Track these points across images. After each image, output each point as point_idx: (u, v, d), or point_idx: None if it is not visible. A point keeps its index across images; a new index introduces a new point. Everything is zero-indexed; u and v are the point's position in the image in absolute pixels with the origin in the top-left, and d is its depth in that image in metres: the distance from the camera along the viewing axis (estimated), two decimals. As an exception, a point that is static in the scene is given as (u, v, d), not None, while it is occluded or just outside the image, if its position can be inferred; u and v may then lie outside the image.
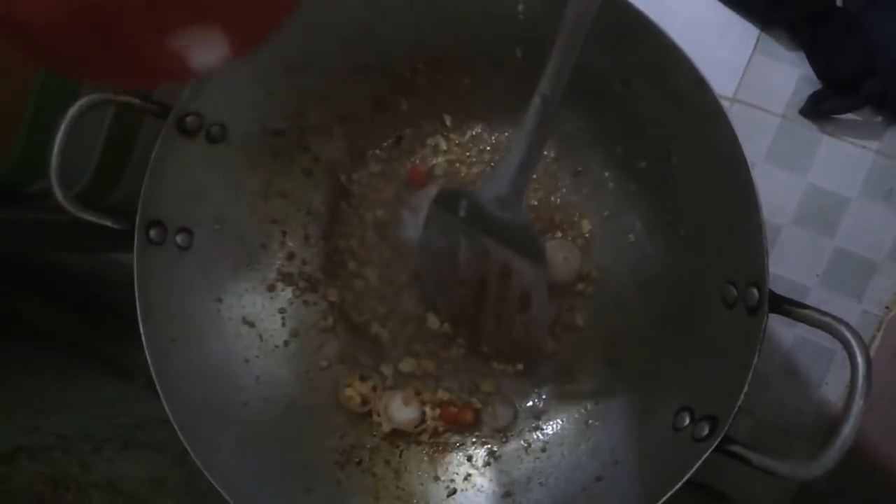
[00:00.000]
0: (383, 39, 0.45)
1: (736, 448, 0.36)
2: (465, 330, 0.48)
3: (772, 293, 0.36)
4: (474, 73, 0.46)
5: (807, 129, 0.51)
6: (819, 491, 0.52)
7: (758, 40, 0.51)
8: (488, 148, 0.50)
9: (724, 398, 0.36)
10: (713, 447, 0.36)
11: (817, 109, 0.49)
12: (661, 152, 0.43)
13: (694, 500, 0.55)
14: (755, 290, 0.37)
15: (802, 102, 0.50)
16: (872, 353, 0.51)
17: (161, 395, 0.42)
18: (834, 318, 0.35)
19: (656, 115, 0.42)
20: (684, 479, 0.36)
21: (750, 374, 0.36)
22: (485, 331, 0.47)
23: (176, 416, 0.42)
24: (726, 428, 0.36)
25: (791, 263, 0.52)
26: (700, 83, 0.37)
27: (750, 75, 0.52)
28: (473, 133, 0.50)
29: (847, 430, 0.33)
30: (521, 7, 0.42)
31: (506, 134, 0.49)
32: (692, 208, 0.42)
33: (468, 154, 0.50)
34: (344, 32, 0.45)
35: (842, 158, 0.50)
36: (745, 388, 0.36)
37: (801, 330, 0.52)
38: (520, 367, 0.49)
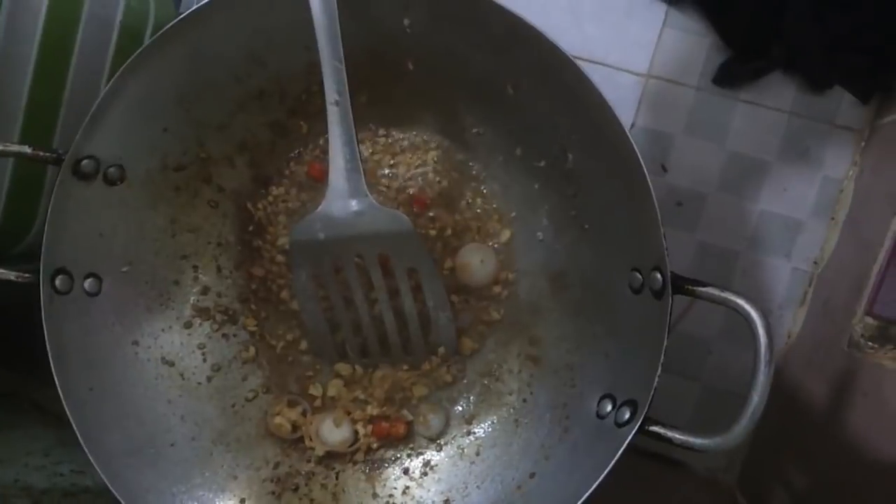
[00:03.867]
0: (274, 65, 0.45)
1: (656, 428, 0.37)
2: (377, 355, 0.49)
3: (674, 275, 0.37)
4: (371, 89, 0.46)
5: (722, 97, 0.52)
6: (766, 454, 0.54)
7: (666, 15, 0.52)
8: (394, 147, 0.50)
9: (642, 381, 0.38)
10: (635, 430, 0.37)
11: (729, 77, 0.50)
12: (558, 150, 0.44)
13: (651, 469, 0.56)
14: (658, 275, 0.38)
15: (714, 72, 0.51)
16: (805, 307, 0.53)
17: (84, 447, 0.41)
18: (733, 293, 0.36)
19: (548, 115, 0.43)
20: (611, 465, 0.37)
21: (662, 355, 0.37)
22: (393, 342, 0.48)
23: (102, 465, 0.41)
24: (646, 409, 0.37)
25: (719, 230, 0.54)
26: (582, 80, 0.39)
27: (661, 51, 0.53)
28: (376, 140, 0.50)
29: (756, 400, 0.35)
30: (406, 21, 0.43)
31: (413, 133, 0.50)
32: (593, 201, 0.44)
33: (373, 152, 0.50)
34: (233, 61, 0.45)
35: (758, 123, 0.52)
36: (659, 370, 0.37)
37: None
38: (445, 366, 0.49)
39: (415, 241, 0.44)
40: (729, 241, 0.53)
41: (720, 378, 0.55)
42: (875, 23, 0.48)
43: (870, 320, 0.46)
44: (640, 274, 0.40)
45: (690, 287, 0.37)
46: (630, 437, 0.37)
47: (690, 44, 0.52)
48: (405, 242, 0.44)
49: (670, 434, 0.37)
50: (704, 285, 0.37)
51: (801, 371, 0.52)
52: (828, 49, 0.48)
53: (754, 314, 0.35)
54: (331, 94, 0.41)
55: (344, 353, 0.49)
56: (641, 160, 0.38)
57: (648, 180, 0.37)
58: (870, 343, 0.46)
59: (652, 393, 0.37)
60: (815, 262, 0.53)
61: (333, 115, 0.41)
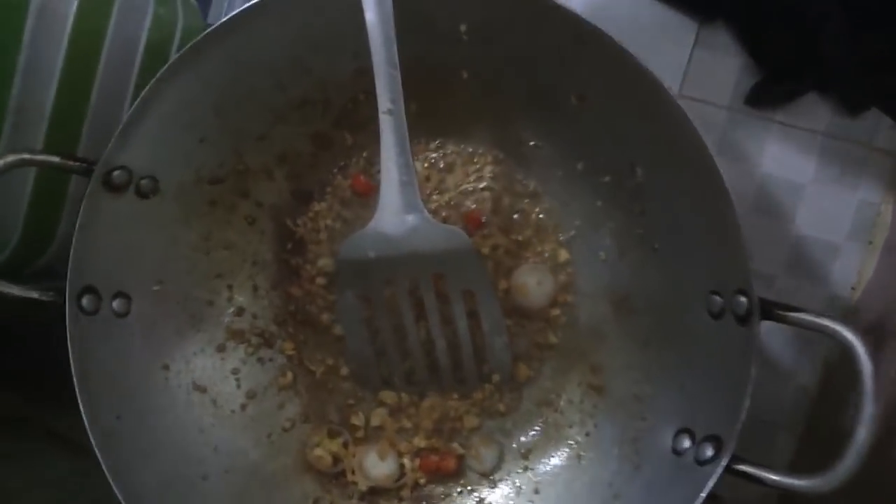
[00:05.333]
0: (319, 72, 0.43)
1: (745, 468, 0.34)
2: (425, 382, 0.46)
3: (762, 299, 0.34)
4: (422, 99, 0.43)
5: (754, 118, 0.50)
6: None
7: (697, 35, 0.51)
8: (445, 161, 0.47)
9: (725, 415, 0.35)
10: (720, 469, 0.34)
11: (762, 98, 0.49)
12: (625, 165, 0.41)
13: None
14: (743, 298, 0.35)
15: (747, 93, 0.49)
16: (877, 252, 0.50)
17: (110, 479, 0.38)
18: (831, 319, 0.33)
19: (616, 128, 0.40)
20: (696, 505, 0.34)
21: (749, 387, 0.34)
22: (444, 368, 0.45)
23: (127, 497, 0.38)
24: (732, 447, 0.34)
25: (754, 254, 0.51)
26: (658, 90, 0.36)
27: (693, 71, 0.51)
28: (427, 153, 0.47)
29: (863, 436, 0.32)
30: (463, 27, 0.40)
31: (466, 146, 0.47)
32: (663, 219, 0.41)
33: (423, 167, 0.47)
34: (276, 67, 0.42)
35: (792, 145, 0.50)
36: (747, 403, 0.34)
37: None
38: (498, 394, 0.46)
39: (473, 260, 0.42)
40: (765, 265, 0.51)
41: (751, 405, 0.52)
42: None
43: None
44: (721, 297, 0.37)
45: (781, 312, 0.34)
46: (715, 477, 0.34)
47: (722, 64, 0.50)
48: (463, 261, 0.41)
49: (762, 474, 0.34)
50: (797, 310, 0.34)
51: (838, 402, 0.49)
52: (864, 70, 0.46)
53: (856, 343, 0.32)
54: (384, 103, 0.38)
55: (389, 381, 0.46)
56: (721, 173, 0.35)
57: (730, 195, 0.35)
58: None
59: (738, 428, 0.34)
60: (853, 288, 0.51)
61: (386, 124, 0.38)
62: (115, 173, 0.40)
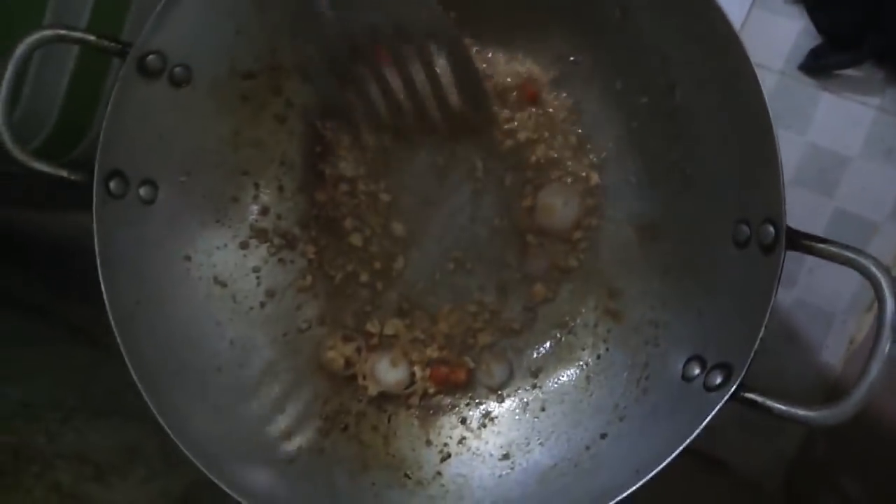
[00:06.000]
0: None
1: (753, 396, 0.33)
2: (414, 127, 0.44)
3: (789, 229, 0.33)
4: (459, 7, 0.42)
5: (806, 85, 0.49)
6: (818, 458, 0.50)
7: None
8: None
9: (739, 344, 0.34)
10: (728, 396, 0.33)
11: (818, 64, 0.48)
12: (665, 85, 0.40)
13: (690, 466, 0.53)
14: (770, 227, 0.34)
15: (802, 58, 0.48)
16: (872, 313, 0.49)
17: (127, 361, 0.38)
18: (858, 251, 0.32)
19: (659, 45, 0.39)
20: (699, 430, 0.33)
21: (766, 317, 0.33)
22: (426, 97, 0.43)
23: (144, 382, 0.38)
24: (742, 373, 0.33)
25: (790, 224, 0.51)
26: (708, 6, 0.34)
27: (748, 31, 0.50)
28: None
29: (874, 372, 0.31)
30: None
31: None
32: (699, 144, 0.40)
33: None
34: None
35: (842, 116, 0.49)
36: (762, 332, 0.33)
37: (800, 292, 0.51)
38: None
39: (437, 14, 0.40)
40: (799, 236, 0.50)
41: (774, 381, 0.51)
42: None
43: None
44: (748, 226, 0.36)
45: (808, 243, 0.33)
46: (722, 403, 0.33)
47: (779, 26, 0.49)
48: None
49: (770, 403, 0.33)
50: (824, 241, 0.33)
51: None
52: None
53: (881, 276, 0.31)
54: None
55: (376, 116, 0.44)
56: (766, 100, 0.34)
57: (772, 122, 0.33)
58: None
59: (751, 357, 0.33)
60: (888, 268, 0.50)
61: None
62: (150, 58, 0.39)
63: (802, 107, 0.49)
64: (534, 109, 0.45)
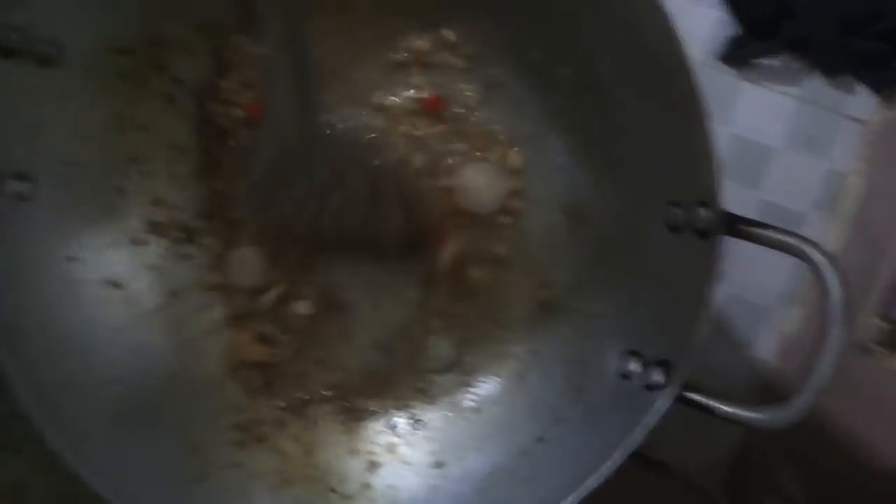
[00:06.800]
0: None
1: (696, 396, 0.31)
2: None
3: (725, 213, 0.31)
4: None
5: (726, 75, 0.48)
6: (760, 456, 0.50)
7: None
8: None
9: (678, 338, 0.32)
10: (668, 396, 0.31)
11: (736, 54, 0.47)
12: (586, 55, 0.37)
13: (630, 467, 0.52)
14: (704, 210, 0.32)
15: (721, 48, 0.47)
16: (803, 306, 0.49)
17: (11, 380, 0.34)
18: (799, 237, 0.30)
19: (578, 10, 0.36)
20: (637, 434, 0.31)
21: (706, 309, 0.31)
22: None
23: (31, 400, 0.34)
24: (682, 373, 0.31)
25: None
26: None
27: None
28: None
29: (826, 368, 0.29)
30: None
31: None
32: (626, 121, 0.37)
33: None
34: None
35: (763, 106, 0.48)
36: (703, 326, 0.31)
37: (727, 285, 0.49)
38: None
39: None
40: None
41: (702, 376, 0.50)
42: (894, 8, 0.44)
43: (881, 323, 0.43)
44: (681, 209, 0.33)
45: (745, 228, 0.31)
46: (661, 403, 0.31)
47: (696, 15, 0.47)
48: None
49: (713, 404, 0.31)
50: (763, 226, 0.31)
51: (797, 373, 0.49)
52: (842, 33, 0.45)
53: (825, 263, 0.29)
54: None
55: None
56: (693, 70, 0.31)
57: (701, 96, 0.31)
58: (880, 347, 0.43)
59: (691, 353, 0.31)
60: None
61: None
62: (11, 36, 0.35)
63: (723, 97, 0.48)
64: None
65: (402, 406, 0.43)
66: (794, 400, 0.29)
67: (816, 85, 0.47)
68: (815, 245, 0.30)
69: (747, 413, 0.30)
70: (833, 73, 0.46)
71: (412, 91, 0.43)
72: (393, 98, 0.43)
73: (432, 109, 0.42)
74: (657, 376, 0.33)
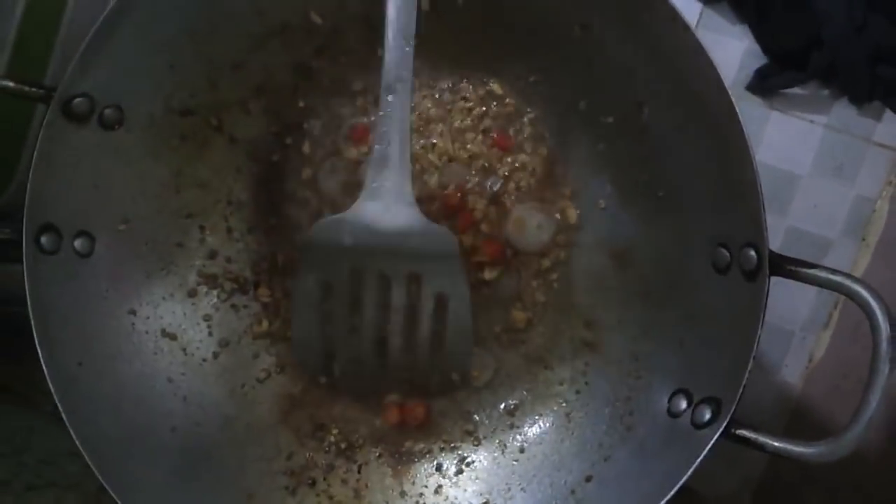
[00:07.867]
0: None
1: (746, 432, 0.31)
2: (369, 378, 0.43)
3: (772, 253, 0.32)
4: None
5: (754, 105, 0.48)
6: (786, 481, 0.49)
7: (700, 15, 0.48)
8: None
9: (726, 377, 0.32)
10: (719, 433, 0.31)
11: (764, 84, 0.47)
12: (631, 104, 0.38)
13: None
14: (752, 252, 0.32)
15: (748, 78, 0.47)
16: (831, 332, 0.49)
17: (70, 428, 0.35)
18: (848, 276, 0.31)
19: (623, 62, 0.37)
20: (689, 473, 0.32)
21: (755, 348, 0.31)
22: (394, 365, 0.42)
23: (89, 450, 0.35)
24: (732, 410, 0.32)
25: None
26: (674, 19, 0.33)
27: None
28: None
29: (873, 403, 0.29)
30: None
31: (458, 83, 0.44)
32: (670, 165, 0.38)
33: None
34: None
35: (791, 134, 0.48)
36: (751, 364, 0.31)
37: None
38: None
39: (457, 265, 0.39)
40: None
41: None
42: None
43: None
44: (728, 250, 0.34)
45: (793, 268, 0.32)
46: (713, 442, 0.32)
47: (724, 47, 0.47)
48: (446, 264, 0.39)
49: (763, 440, 0.31)
50: (811, 266, 0.32)
51: (826, 397, 0.48)
52: (870, 61, 0.45)
53: (874, 303, 0.30)
54: (390, 79, 0.35)
55: (329, 371, 0.43)
56: (741, 116, 0.32)
57: (748, 141, 0.32)
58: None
59: (741, 391, 0.31)
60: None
61: (389, 105, 0.36)
62: (77, 101, 0.36)
63: (751, 126, 0.47)
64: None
65: (450, 448, 0.43)
66: (845, 433, 0.29)
67: (844, 112, 0.47)
68: (863, 283, 0.30)
69: (798, 448, 0.30)
70: (861, 101, 0.47)
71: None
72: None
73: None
74: (706, 414, 0.33)
